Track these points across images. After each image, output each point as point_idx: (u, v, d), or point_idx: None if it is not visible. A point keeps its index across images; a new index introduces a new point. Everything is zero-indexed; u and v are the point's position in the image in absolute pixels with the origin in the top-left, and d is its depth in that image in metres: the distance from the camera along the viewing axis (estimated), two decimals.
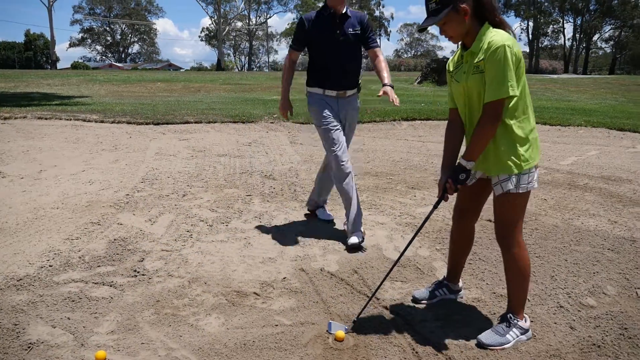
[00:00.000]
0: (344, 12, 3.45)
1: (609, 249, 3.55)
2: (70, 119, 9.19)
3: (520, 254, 2.31)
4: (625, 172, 6.09)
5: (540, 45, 68.38)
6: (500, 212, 2.32)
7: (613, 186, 5.37)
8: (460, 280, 2.80)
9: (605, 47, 73.00)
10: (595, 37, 66.71)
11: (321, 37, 3.48)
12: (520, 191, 2.23)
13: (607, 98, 18.58)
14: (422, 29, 2.34)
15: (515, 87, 2.09)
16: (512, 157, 2.19)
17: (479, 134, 2.17)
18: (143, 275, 3.05)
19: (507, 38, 2.10)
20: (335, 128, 3.51)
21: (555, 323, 2.55)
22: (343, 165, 3.49)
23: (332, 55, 3.49)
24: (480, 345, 2.31)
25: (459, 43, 2.30)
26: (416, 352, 2.29)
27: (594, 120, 10.22)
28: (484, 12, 2.17)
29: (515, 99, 2.13)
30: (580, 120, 10.15)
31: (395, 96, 3.33)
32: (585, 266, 3.26)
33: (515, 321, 2.36)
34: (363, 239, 3.52)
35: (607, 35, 67.47)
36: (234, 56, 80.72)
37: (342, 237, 3.77)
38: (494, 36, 2.10)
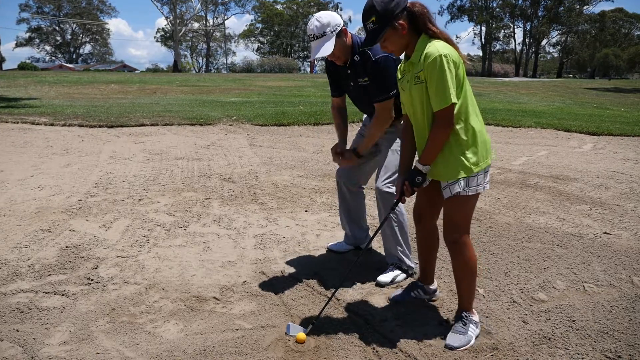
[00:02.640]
0: (351, 61, 2.91)
1: (558, 245, 3.71)
2: (18, 122, 8.81)
3: (469, 254, 2.38)
4: (572, 171, 6.38)
5: (492, 49, 70.76)
6: (449, 215, 2.38)
7: (561, 185, 5.62)
8: (434, 280, 2.84)
9: (553, 52, 76.57)
10: (544, 42, 69.79)
11: (341, 84, 3.15)
12: (469, 193, 2.29)
13: (555, 100, 19.44)
14: (363, 50, 2.39)
15: (454, 94, 2.15)
16: (460, 162, 2.25)
17: (433, 140, 2.23)
18: (97, 282, 2.95)
19: (443, 47, 2.15)
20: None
21: (508, 318, 2.65)
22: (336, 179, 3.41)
23: (354, 99, 3.18)
24: (450, 349, 2.35)
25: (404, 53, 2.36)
26: (376, 352, 2.32)
27: (543, 121, 10.67)
28: (418, 24, 2.23)
29: (458, 104, 2.20)
30: (531, 121, 10.57)
31: (346, 163, 3.12)
32: (536, 262, 3.39)
33: (470, 317, 2.44)
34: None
35: (554, 40, 70.79)
36: (191, 57, 79.45)
37: (301, 239, 3.77)
38: (430, 47, 2.16)
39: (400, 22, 2.19)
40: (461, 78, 2.20)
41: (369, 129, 2.99)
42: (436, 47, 2.15)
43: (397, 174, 2.94)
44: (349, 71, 2.96)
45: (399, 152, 2.93)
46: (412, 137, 2.44)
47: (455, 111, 2.20)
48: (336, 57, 2.86)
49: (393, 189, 2.91)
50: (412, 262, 3.11)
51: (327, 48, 2.72)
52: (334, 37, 2.74)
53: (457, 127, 2.23)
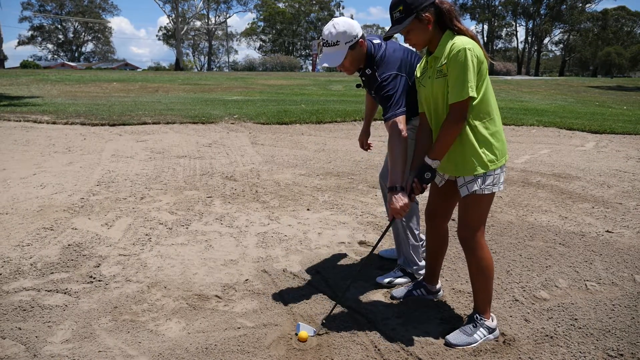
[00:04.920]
0: (363, 71, 2.77)
1: (560, 244, 3.70)
2: (20, 120, 8.82)
3: (483, 255, 2.36)
4: (574, 169, 6.36)
5: (494, 48, 70.58)
6: (465, 214, 2.36)
7: (563, 183, 5.61)
8: (439, 281, 2.84)
9: (555, 50, 76.36)
10: (546, 40, 69.62)
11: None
12: (485, 192, 2.28)
13: (557, 99, 19.39)
14: (388, 36, 2.40)
15: (474, 89, 2.14)
16: (478, 158, 2.24)
17: (444, 134, 2.22)
18: (99, 281, 2.96)
19: (468, 42, 2.16)
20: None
21: (510, 316, 2.64)
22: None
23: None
24: (448, 345, 2.35)
25: (425, 50, 2.36)
26: (378, 350, 2.32)
27: (545, 120, 10.64)
28: (444, 20, 2.24)
29: (478, 100, 2.20)
30: (533, 120, 10.55)
31: (395, 208, 2.39)
32: (539, 260, 3.38)
33: (482, 321, 2.41)
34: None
35: (556, 38, 70.60)
36: (193, 56, 79.42)
37: (303, 238, 3.77)
38: (456, 41, 2.17)
39: (426, 14, 2.21)
40: (483, 75, 2.21)
41: (389, 155, 2.58)
42: (462, 41, 2.16)
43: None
44: (363, 78, 2.85)
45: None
46: (428, 136, 2.42)
47: (476, 107, 2.20)
48: (345, 68, 2.70)
49: None
50: (420, 265, 3.04)
51: (336, 59, 2.58)
52: (346, 49, 2.58)
53: (477, 122, 2.23)
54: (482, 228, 2.36)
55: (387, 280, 2.99)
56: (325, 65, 2.67)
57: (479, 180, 2.27)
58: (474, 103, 2.19)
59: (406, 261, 3.04)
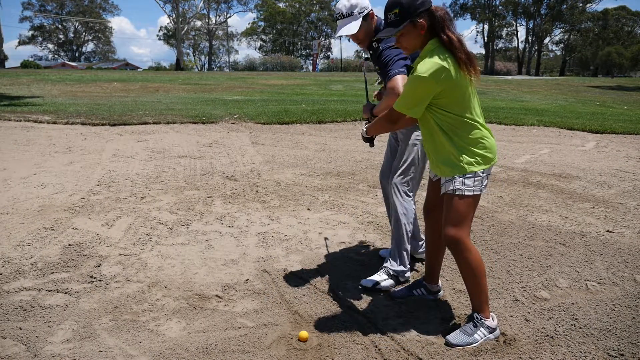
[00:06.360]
0: (369, 45, 2.87)
1: (560, 244, 3.70)
2: (20, 120, 8.82)
3: (470, 256, 2.35)
4: (575, 169, 6.36)
5: (495, 48, 70.58)
6: (446, 213, 2.37)
7: (564, 183, 5.60)
8: (439, 280, 2.83)
9: (556, 50, 76.42)
10: (546, 40, 69.65)
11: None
12: (465, 193, 2.29)
13: (557, 99, 19.38)
14: (380, 38, 2.41)
15: (404, 109, 2.25)
16: (454, 161, 2.29)
17: (378, 119, 2.52)
18: (100, 281, 2.96)
19: (433, 66, 2.14)
20: (385, 152, 3.25)
21: (511, 316, 2.64)
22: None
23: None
24: (449, 345, 2.35)
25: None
26: (379, 350, 2.32)
27: (546, 120, 10.63)
28: (436, 27, 2.23)
29: (454, 112, 2.23)
30: (533, 120, 10.54)
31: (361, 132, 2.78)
32: (539, 260, 3.38)
33: (482, 320, 2.40)
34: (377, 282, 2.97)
35: (557, 38, 70.65)
36: (194, 56, 79.48)
37: (303, 238, 3.77)
38: (423, 63, 2.16)
39: (421, 20, 2.21)
40: (461, 88, 2.21)
41: (379, 103, 2.79)
42: (426, 65, 2.15)
43: (412, 171, 2.94)
44: (371, 52, 2.92)
45: (417, 146, 2.91)
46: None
47: (452, 118, 2.26)
48: (359, 40, 2.85)
49: (408, 188, 2.93)
50: (406, 266, 2.99)
51: (352, 28, 2.73)
52: (360, 19, 2.74)
53: (453, 132, 2.28)
54: (464, 229, 2.34)
55: (370, 285, 2.92)
56: (343, 34, 2.76)
57: (456, 180, 2.29)
58: (451, 115, 2.25)
59: (392, 258, 2.99)
